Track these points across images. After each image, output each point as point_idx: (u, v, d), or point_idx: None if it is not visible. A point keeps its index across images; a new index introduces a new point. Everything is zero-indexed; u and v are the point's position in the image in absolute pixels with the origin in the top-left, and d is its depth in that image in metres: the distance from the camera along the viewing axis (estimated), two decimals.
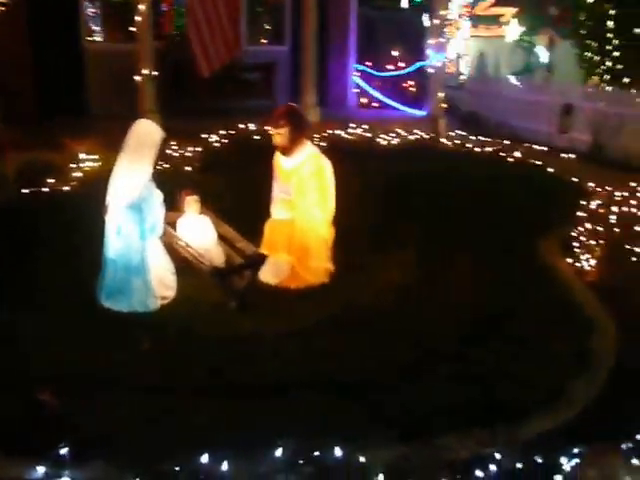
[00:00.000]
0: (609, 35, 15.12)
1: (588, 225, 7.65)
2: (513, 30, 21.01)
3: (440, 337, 5.57)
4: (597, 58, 15.65)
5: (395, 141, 12.10)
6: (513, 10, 21.45)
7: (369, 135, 12.07)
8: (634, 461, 3.68)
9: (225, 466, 3.62)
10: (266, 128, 7.55)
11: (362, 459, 3.70)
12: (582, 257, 7.00)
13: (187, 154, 9.99)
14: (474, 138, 12.87)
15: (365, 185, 8.55)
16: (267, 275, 6.63)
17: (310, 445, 3.77)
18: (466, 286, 6.54)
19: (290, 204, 6.68)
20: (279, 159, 6.82)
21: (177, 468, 3.61)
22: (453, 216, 8.18)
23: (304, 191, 6.59)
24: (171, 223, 6.71)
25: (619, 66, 15.13)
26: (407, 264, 7.05)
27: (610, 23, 15.01)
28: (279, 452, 3.72)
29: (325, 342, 5.45)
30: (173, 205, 6.80)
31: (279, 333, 5.66)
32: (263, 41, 15.57)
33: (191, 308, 6.06)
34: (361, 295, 6.42)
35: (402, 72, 16.17)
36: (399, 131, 12.50)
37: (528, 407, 4.38)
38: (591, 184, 9.64)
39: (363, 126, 12.42)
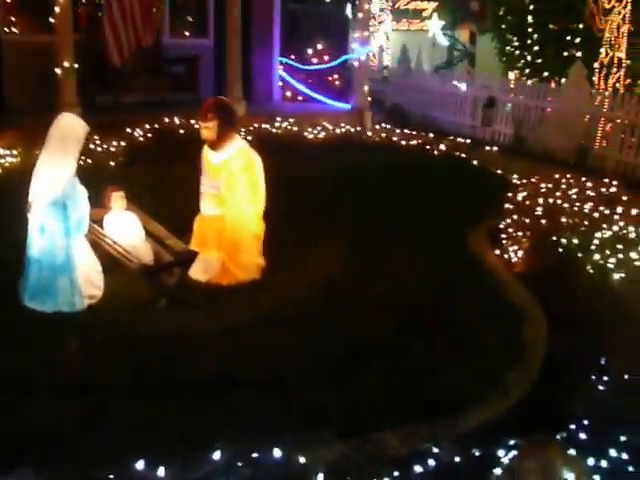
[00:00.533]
0: (529, 30, 15.44)
1: (515, 217, 7.77)
2: (434, 24, 21.28)
3: (374, 331, 5.56)
4: (517, 52, 15.97)
5: (322, 135, 12.09)
6: (434, 4, 21.74)
7: (296, 129, 12.03)
8: (570, 451, 3.72)
9: (161, 471, 3.51)
10: (193, 122, 7.41)
11: (302, 459, 3.64)
12: (510, 248, 7.10)
13: (111, 149, 9.75)
14: (399, 131, 12.97)
15: (294, 179, 8.49)
16: (197, 272, 6.48)
17: (248, 446, 3.69)
18: (397, 279, 6.56)
19: (220, 200, 6.53)
20: (208, 154, 6.65)
21: (111, 475, 3.48)
22: (382, 209, 8.21)
23: (234, 186, 6.45)
24: (97, 220, 6.52)
25: (539, 60, 15.47)
26: (338, 257, 7.01)
27: (530, 18, 15.33)
28: (217, 455, 3.63)
29: (258, 339, 5.35)
30: (98, 201, 6.61)
31: (211, 331, 5.56)
32: (186, 34, 15.33)
33: (120, 307, 5.87)
34: (293, 290, 6.35)
35: (327, 65, 16.18)
36: (325, 124, 12.49)
37: (463, 400, 4.40)
38: (515, 176, 9.82)
39: (289, 120, 12.38)
